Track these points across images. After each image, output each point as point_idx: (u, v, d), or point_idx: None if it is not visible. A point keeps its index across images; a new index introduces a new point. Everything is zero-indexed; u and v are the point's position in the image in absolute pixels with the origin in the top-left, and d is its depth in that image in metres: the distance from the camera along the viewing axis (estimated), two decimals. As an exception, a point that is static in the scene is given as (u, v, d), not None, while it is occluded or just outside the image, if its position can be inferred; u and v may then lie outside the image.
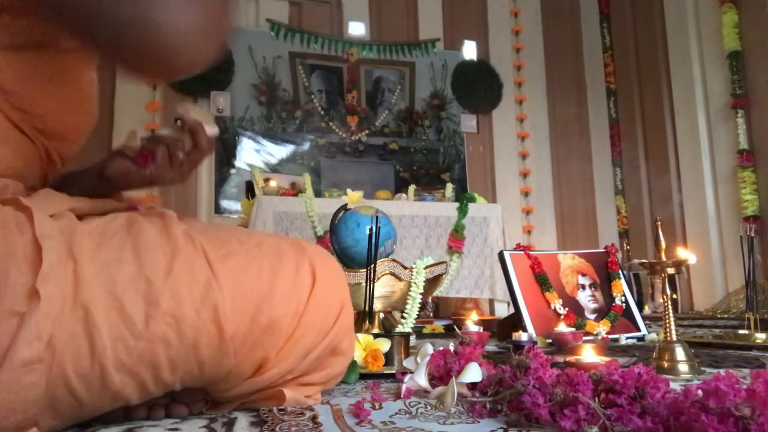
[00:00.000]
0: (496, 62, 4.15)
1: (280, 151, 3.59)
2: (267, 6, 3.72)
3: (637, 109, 4.12)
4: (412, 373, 0.81)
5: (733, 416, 0.48)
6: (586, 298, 1.85)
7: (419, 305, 1.21)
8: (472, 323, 1.58)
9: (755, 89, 3.26)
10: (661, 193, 3.85)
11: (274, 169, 3.50)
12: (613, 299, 1.85)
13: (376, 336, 1.03)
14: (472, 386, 0.73)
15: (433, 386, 0.77)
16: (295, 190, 2.60)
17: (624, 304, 1.84)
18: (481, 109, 4.07)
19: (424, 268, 1.20)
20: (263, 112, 3.59)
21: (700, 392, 0.52)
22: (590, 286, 1.88)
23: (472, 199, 2.70)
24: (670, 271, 1.07)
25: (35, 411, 0.53)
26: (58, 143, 0.71)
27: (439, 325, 2.40)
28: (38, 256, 0.53)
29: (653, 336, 1.76)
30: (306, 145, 3.66)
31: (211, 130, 0.78)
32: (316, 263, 0.70)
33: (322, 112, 3.72)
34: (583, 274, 1.90)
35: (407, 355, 1.06)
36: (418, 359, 0.85)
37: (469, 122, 4.04)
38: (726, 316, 2.88)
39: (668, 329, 1.05)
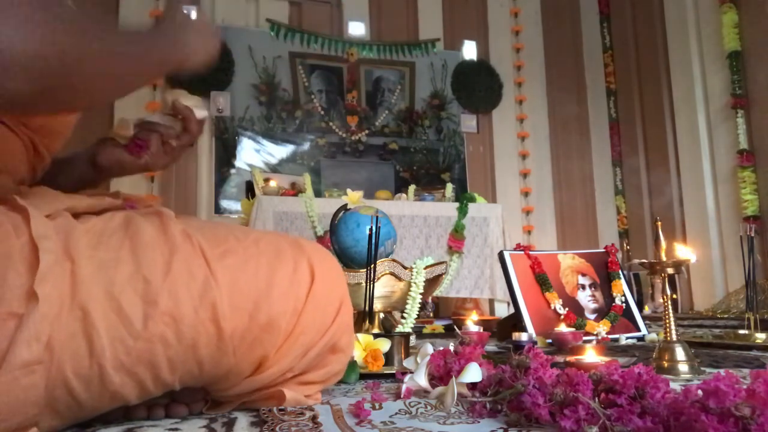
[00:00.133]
0: (496, 62, 4.15)
1: (280, 151, 3.59)
2: (267, 6, 3.72)
3: (637, 109, 4.12)
4: (412, 373, 0.81)
5: (733, 416, 0.48)
6: (586, 298, 1.85)
7: (419, 305, 1.21)
8: (472, 323, 1.58)
9: (755, 89, 3.26)
10: (661, 193, 3.85)
11: (274, 169, 3.49)
12: (613, 299, 1.85)
13: (376, 336, 1.03)
14: (472, 386, 0.73)
15: (433, 386, 0.77)
16: (295, 190, 2.60)
17: (624, 304, 1.84)
18: (481, 109, 4.07)
19: (424, 268, 1.20)
20: (263, 112, 3.59)
21: (700, 392, 0.52)
22: (590, 286, 1.88)
23: (472, 199, 2.70)
24: (670, 271, 1.07)
25: (35, 412, 0.52)
26: (44, 136, 0.71)
27: (439, 325, 2.40)
28: (35, 257, 0.53)
29: (653, 336, 1.76)
30: (306, 145, 3.66)
31: (201, 113, 0.78)
32: (315, 261, 0.70)
33: (322, 112, 3.72)
34: (583, 274, 1.90)
35: (407, 355, 1.06)
36: (418, 359, 0.85)
37: (469, 122, 4.04)
38: (726, 316, 2.87)
39: (668, 329, 1.05)
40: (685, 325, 2.47)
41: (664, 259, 1.07)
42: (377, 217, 1.14)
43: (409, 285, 1.18)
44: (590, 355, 0.98)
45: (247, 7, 3.71)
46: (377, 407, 0.73)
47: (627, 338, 1.75)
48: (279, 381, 0.68)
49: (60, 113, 0.65)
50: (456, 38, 4.11)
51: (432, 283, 1.23)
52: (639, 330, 1.81)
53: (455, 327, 1.64)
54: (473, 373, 0.72)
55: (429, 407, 0.72)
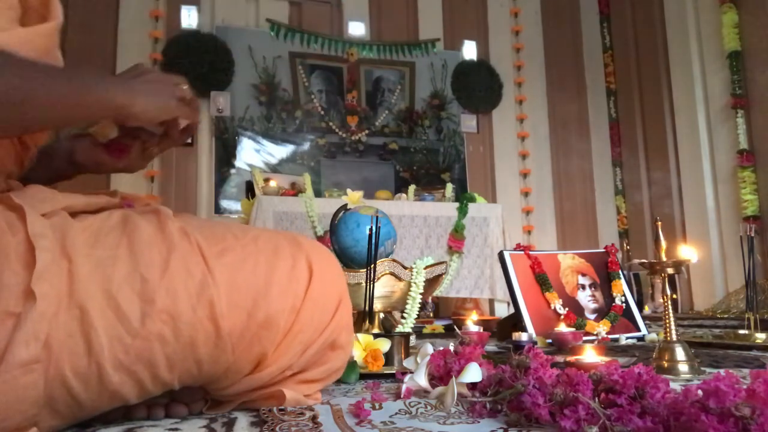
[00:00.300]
0: (496, 62, 4.15)
1: (280, 151, 3.59)
2: (267, 6, 3.72)
3: (637, 109, 4.12)
4: (412, 373, 0.81)
5: (733, 416, 0.48)
6: (586, 298, 1.85)
7: (419, 305, 1.21)
8: (472, 323, 1.58)
9: (755, 89, 3.26)
10: (661, 193, 3.85)
11: (274, 169, 3.49)
12: (613, 299, 1.85)
13: (376, 336, 1.03)
14: (472, 386, 0.73)
15: (433, 386, 0.77)
16: (295, 190, 2.60)
17: (624, 304, 1.84)
18: (481, 109, 4.07)
19: (424, 268, 1.19)
20: (263, 112, 3.59)
21: (700, 392, 0.52)
22: (590, 286, 1.88)
23: (472, 199, 2.70)
24: (670, 271, 1.07)
25: (34, 411, 0.52)
26: None
27: (439, 325, 2.40)
28: (31, 256, 0.53)
29: (653, 336, 1.76)
30: (306, 145, 3.66)
31: (184, 121, 0.77)
32: (313, 258, 0.70)
33: (322, 112, 3.72)
34: (583, 274, 1.90)
35: (407, 355, 1.06)
36: (418, 359, 0.85)
37: (469, 122, 4.04)
38: (726, 316, 2.88)
39: (668, 329, 1.05)
40: (685, 325, 2.47)
41: (664, 259, 1.07)
42: (377, 217, 1.14)
43: (409, 285, 1.18)
44: (590, 355, 0.98)
45: (247, 7, 3.71)
46: (377, 407, 0.73)
47: (627, 338, 1.75)
48: (278, 379, 0.68)
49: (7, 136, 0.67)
50: (456, 38, 4.11)
51: (432, 283, 1.23)
52: (639, 330, 1.81)
53: (455, 327, 1.64)
54: (473, 373, 0.72)
55: (429, 407, 0.72)
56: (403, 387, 0.79)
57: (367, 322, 1.12)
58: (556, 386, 0.61)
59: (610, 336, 1.71)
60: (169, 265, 0.59)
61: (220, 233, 0.66)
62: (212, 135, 3.48)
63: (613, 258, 1.94)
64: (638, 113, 4.11)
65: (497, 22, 4.23)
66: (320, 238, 2.37)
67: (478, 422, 0.65)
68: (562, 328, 1.53)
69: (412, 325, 1.22)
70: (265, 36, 3.65)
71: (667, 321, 1.06)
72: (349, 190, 1.40)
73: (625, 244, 4.13)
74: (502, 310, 2.69)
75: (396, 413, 0.69)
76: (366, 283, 1.09)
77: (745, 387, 0.50)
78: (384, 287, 1.15)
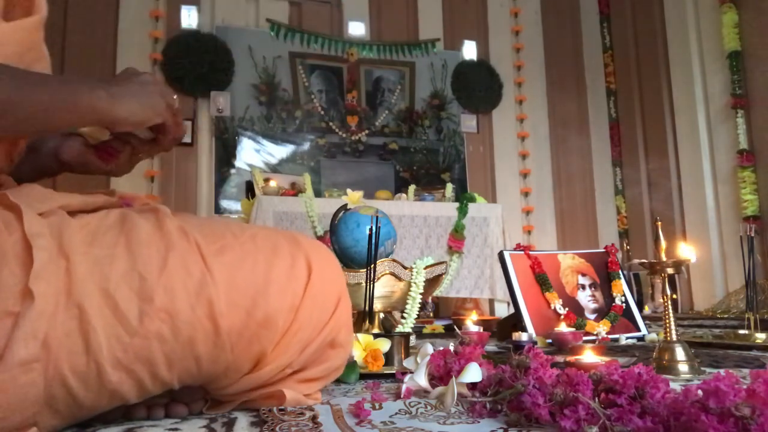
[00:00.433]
0: (496, 62, 4.15)
1: (280, 151, 3.59)
2: (267, 6, 3.72)
3: (637, 109, 4.12)
4: (412, 373, 0.81)
5: (733, 416, 0.48)
6: (586, 298, 1.85)
7: (419, 305, 1.21)
8: (472, 323, 1.58)
9: (755, 89, 3.26)
10: (661, 193, 3.85)
11: (274, 169, 3.49)
12: (613, 299, 1.85)
13: (376, 336, 1.03)
14: (472, 386, 0.73)
15: (433, 386, 0.77)
16: (295, 190, 2.60)
17: (624, 304, 1.84)
18: (481, 109, 4.07)
19: (424, 268, 1.20)
20: (263, 112, 3.59)
21: (700, 392, 0.52)
22: (590, 286, 1.88)
23: (472, 199, 2.70)
24: (670, 271, 1.07)
25: (34, 410, 0.52)
26: None
27: (439, 325, 2.40)
28: (29, 255, 0.53)
29: (653, 336, 1.76)
30: (306, 145, 3.66)
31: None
32: (312, 256, 0.70)
33: (322, 112, 3.72)
34: (583, 274, 1.90)
35: (407, 355, 1.06)
36: (418, 359, 0.85)
37: (469, 122, 4.04)
38: (726, 316, 2.88)
39: (668, 329, 1.05)
40: (685, 325, 2.47)
41: (664, 259, 1.07)
42: (377, 217, 1.14)
43: (409, 285, 1.18)
44: (590, 355, 0.98)
45: (247, 7, 3.71)
46: (377, 407, 0.73)
47: (627, 338, 1.75)
48: (278, 378, 0.68)
49: None
50: (456, 38, 4.11)
51: (432, 283, 1.23)
52: (639, 330, 1.81)
53: (455, 327, 1.64)
54: (473, 373, 0.72)
55: (429, 407, 0.72)
56: (403, 387, 0.79)
57: (367, 322, 1.12)
58: (556, 386, 0.61)
59: (610, 336, 1.71)
60: (168, 263, 0.59)
61: (218, 232, 0.66)
62: (212, 135, 3.48)
63: (613, 258, 1.94)
64: (638, 113, 4.11)
65: (497, 22, 4.23)
66: (320, 238, 2.37)
67: (478, 422, 0.65)
68: (562, 328, 1.53)
69: (412, 325, 1.22)
70: (265, 36, 3.65)
71: (667, 321, 1.06)
72: (349, 190, 1.40)
73: (625, 244, 4.13)
74: (502, 310, 2.69)
75: (396, 413, 0.69)
76: (366, 283, 1.09)
77: (745, 387, 0.50)
78: (384, 287, 1.15)
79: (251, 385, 0.67)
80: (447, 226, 2.63)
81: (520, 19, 4.26)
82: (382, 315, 1.20)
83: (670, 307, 1.06)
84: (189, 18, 3.54)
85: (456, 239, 2.59)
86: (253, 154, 3.52)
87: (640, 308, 2.11)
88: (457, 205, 2.68)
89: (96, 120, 0.66)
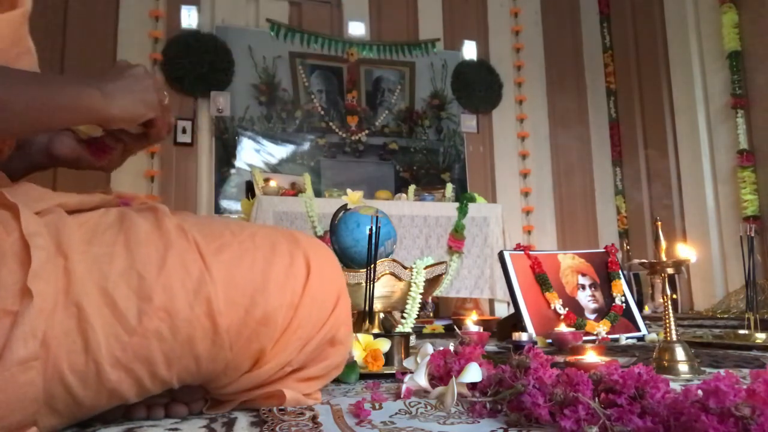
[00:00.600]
0: (496, 62, 4.15)
1: (280, 151, 3.59)
2: (267, 6, 3.72)
3: (637, 109, 4.12)
4: (412, 373, 0.81)
5: (733, 416, 0.48)
6: (586, 298, 1.85)
7: (419, 305, 1.21)
8: (472, 323, 1.58)
9: (755, 89, 3.26)
10: (661, 193, 3.85)
11: (274, 169, 3.49)
12: (613, 299, 1.85)
13: (376, 336, 1.03)
14: (472, 386, 0.73)
15: (433, 386, 0.77)
16: (295, 190, 2.60)
17: (624, 304, 1.84)
18: (481, 109, 4.07)
19: (424, 268, 1.20)
20: (263, 112, 3.59)
21: (700, 392, 0.52)
22: (590, 286, 1.88)
23: (472, 199, 2.70)
24: (670, 271, 1.07)
25: (33, 409, 0.52)
26: None
27: (439, 325, 2.40)
28: (27, 254, 0.53)
29: (653, 336, 1.76)
30: (306, 145, 3.66)
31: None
32: (311, 254, 0.70)
33: (322, 112, 3.72)
34: (583, 274, 1.90)
35: (407, 355, 1.06)
36: (418, 359, 0.85)
37: (469, 122, 4.04)
38: (726, 316, 2.87)
39: (668, 329, 1.05)
40: (685, 325, 2.47)
41: (664, 259, 1.07)
42: (377, 217, 1.14)
43: (409, 285, 1.18)
44: (590, 355, 0.98)
45: (247, 7, 3.71)
46: (377, 407, 0.73)
47: (627, 338, 1.75)
48: (278, 376, 0.68)
49: None
50: (456, 38, 4.11)
51: (432, 283, 1.23)
52: (639, 330, 1.81)
53: (455, 327, 1.64)
54: (473, 373, 0.72)
55: (429, 407, 0.72)
56: (403, 387, 0.79)
57: (367, 322, 1.12)
58: (556, 386, 0.61)
59: (610, 336, 1.71)
60: (166, 262, 0.59)
61: (217, 230, 0.66)
62: (212, 135, 3.48)
63: (613, 258, 1.94)
64: (638, 113, 4.11)
65: (497, 22, 4.23)
66: (320, 238, 2.37)
67: (478, 422, 0.65)
68: (562, 328, 1.53)
69: (412, 325, 1.22)
70: (265, 36, 3.65)
71: (667, 321, 1.06)
72: (349, 190, 1.40)
73: (625, 244, 4.13)
74: (502, 310, 2.69)
75: (396, 413, 0.69)
76: (366, 283, 1.09)
77: (745, 387, 0.50)
78: (384, 287, 1.15)
79: (251, 383, 0.67)
80: (447, 226, 2.63)
81: (520, 19, 4.26)
82: (382, 315, 1.20)
83: (670, 307, 1.06)
84: (189, 18, 3.54)
85: (456, 239, 2.59)
86: (253, 154, 3.52)
87: (640, 308, 2.11)
88: (457, 205, 2.68)
89: (89, 119, 0.66)
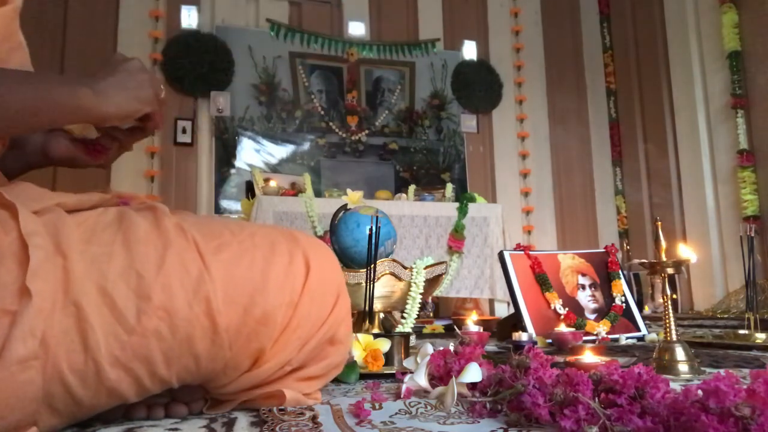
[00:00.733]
0: (496, 62, 4.15)
1: (280, 151, 3.59)
2: (267, 6, 3.72)
3: (637, 109, 4.12)
4: (412, 373, 0.81)
5: (733, 416, 0.48)
6: (586, 298, 1.85)
7: (419, 305, 1.21)
8: (472, 323, 1.58)
9: (755, 89, 3.26)
10: (661, 193, 3.85)
11: (274, 169, 3.49)
12: (613, 299, 1.85)
13: (376, 336, 1.03)
14: (472, 386, 0.73)
15: (433, 386, 0.77)
16: (295, 190, 2.60)
17: (624, 304, 1.84)
18: (481, 109, 4.07)
19: (424, 268, 1.20)
20: (263, 112, 3.59)
21: (700, 392, 0.52)
22: (590, 286, 1.88)
23: (472, 199, 2.70)
24: (670, 271, 1.07)
25: (33, 409, 0.52)
26: None
27: (439, 325, 2.40)
28: (25, 254, 0.53)
29: (653, 336, 1.76)
30: (306, 145, 3.66)
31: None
32: (310, 253, 0.70)
33: (322, 112, 3.72)
34: (583, 274, 1.90)
35: (407, 355, 1.06)
36: (418, 359, 0.85)
37: (469, 122, 4.04)
38: (726, 316, 2.87)
39: (668, 329, 1.05)
40: (685, 325, 2.47)
41: (664, 259, 1.07)
42: (377, 217, 1.14)
43: (409, 285, 1.18)
44: (590, 355, 0.98)
45: (247, 7, 3.71)
46: (377, 407, 0.73)
47: (627, 338, 1.75)
48: (278, 375, 0.68)
49: None
50: (456, 38, 4.11)
51: (432, 283, 1.23)
52: (639, 330, 1.81)
53: (455, 327, 1.64)
54: (473, 373, 0.72)
55: (429, 407, 0.72)
56: (403, 387, 0.79)
57: (367, 322, 1.12)
58: (556, 386, 0.61)
59: (610, 336, 1.71)
60: (165, 261, 0.59)
61: (216, 229, 0.66)
62: (212, 135, 3.48)
63: (613, 258, 1.94)
64: (638, 113, 4.11)
65: (497, 22, 4.23)
66: (320, 238, 2.37)
67: (478, 422, 0.65)
68: (562, 328, 1.53)
69: (412, 325, 1.22)
70: (265, 36, 3.65)
71: (667, 321, 1.06)
72: (349, 190, 1.40)
73: (625, 244, 4.13)
74: (502, 310, 2.69)
75: (396, 413, 0.69)
76: (366, 283, 1.09)
77: (745, 387, 0.50)
78: (384, 287, 1.15)
79: (251, 383, 0.67)
80: (447, 226, 2.63)
81: (520, 19, 4.26)
82: (382, 315, 1.20)
83: (670, 307, 1.06)
84: (189, 18, 3.54)
85: (456, 239, 2.59)
86: (253, 154, 3.52)
87: (640, 308, 2.11)
88: (457, 205, 2.68)
89: (83, 118, 0.65)
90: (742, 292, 2.91)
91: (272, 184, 2.65)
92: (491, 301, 2.76)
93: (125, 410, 0.64)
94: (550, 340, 1.53)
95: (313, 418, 0.65)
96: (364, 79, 3.85)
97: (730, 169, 3.34)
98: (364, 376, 0.99)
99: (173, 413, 0.67)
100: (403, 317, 1.22)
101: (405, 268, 1.18)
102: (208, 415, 0.69)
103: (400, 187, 3.48)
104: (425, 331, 2.31)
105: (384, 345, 1.02)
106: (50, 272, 0.54)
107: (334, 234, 1.26)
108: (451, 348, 0.84)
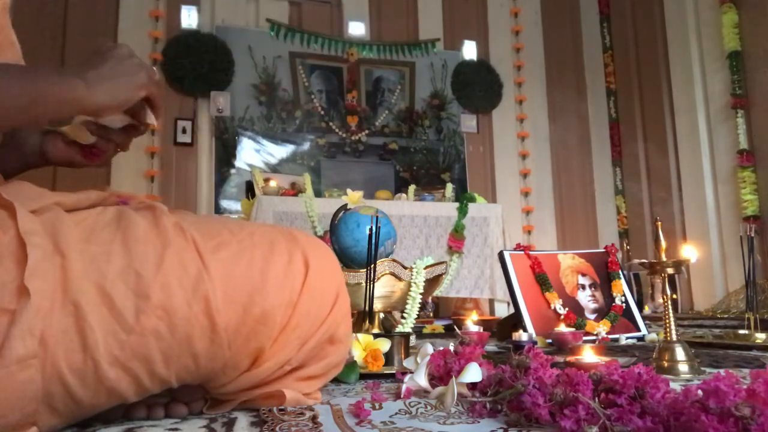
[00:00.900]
0: (496, 62, 4.15)
1: (280, 151, 3.59)
2: (267, 6, 3.72)
3: (637, 109, 4.12)
4: (412, 373, 0.81)
5: (733, 416, 0.48)
6: (586, 298, 1.85)
7: (419, 305, 1.21)
8: (472, 323, 1.58)
9: (755, 89, 3.26)
10: (661, 193, 3.85)
11: (274, 169, 3.49)
12: (613, 299, 1.85)
13: (376, 336, 1.03)
14: (472, 386, 0.73)
15: (433, 386, 0.77)
16: (295, 190, 2.60)
17: (624, 304, 1.84)
18: (481, 109, 4.07)
19: (424, 268, 1.19)
20: (263, 112, 3.59)
21: (700, 392, 0.52)
22: (590, 286, 1.88)
23: (472, 199, 2.70)
24: (670, 271, 1.07)
25: (33, 408, 0.52)
26: None
27: (439, 325, 2.40)
28: (23, 253, 0.53)
29: (653, 336, 1.76)
30: (306, 145, 3.66)
31: (151, 118, 0.75)
32: (309, 253, 0.70)
33: (322, 112, 3.72)
34: (583, 274, 1.90)
35: (407, 355, 1.06)
36: (418, 359, 0.85)
37: (469, 122, 4.04)
38: (726, 316, 2.87)
39: (668, 329, 1.05)
40: (685, 325, 2.47)
41: (664, 259, 1.07)
42: (377, 217, 1.14)
43: (409, 285, 1.18)
44: (590, 355, 0.98)
45: (247, 7, 3.71)
46: (377, 407, 0.73)
47: (627, 338, 1.75)
48: (278, 375, 0.68)
49: None
50: (456, 38, 4.11)
51: (432, 283, 1.23)
52: (639, 330, 1.81)
53: (455, 327, 1.64)
54: (473, 373, 0.72)
55: (429, 407, 0.72)
56: (403, 387, 0.79)
57: (367, 322, 1.12)
58: (556, 386, 0.61)
59: (610, 336, 1.71)
60: (164, 260, 0.59)
61: (215, 229, 0.66)
62: (212, 135, 3.48)
63: (613, 258, 1.94)
64: (638, 113, 4.11)
65: (497, 22, 4.23)
66: (320, 238, 2.37)
67: (478, 422, 0.65)
68: (562, 328, 1.53)
69: (412, 325, 1.22)
70: (265, 36, 3.65)
71: (667, 321, 1.06)
72: (349, 190, 1.40)
73: (625, 244, 4.13)
74: (502, 310, 2.69)
75: (396, 413, 0.69)
76: (366, 283, 1.09)
77: (745, 387, 0.50)
78: (384, 287, 1.15)
79: (250, 382, 0.67)
80: (447, 226, 2.63)
81: (520, 19, 4.26)
82: (382, 315, 1.20)
83: (670, 307, 1.06)
84: (189, 18, 3.54)
85: (456, 239, 2.59)
86: (253, 154, 3.52)
87: (640, 308, 2.11)
88: (457, 205, 2.68)
89: (77, 110, 0.64)
90: (742, 292, 2.91)
91: (272, 184, 2.65)
92: (491, 301, 2.76)
93: (125, 410, 0.64)
94: (550, 340, 1.53)
95: (313, 418, 0.65)
96: (364, 79, 3.85)
97: (730, 169, 3.34)
98: (364, 376, 0.99)
99: (173, 413, 0.67)
100: (403, 317, 1.22)
101: (405, 268, 1.18)
102: (208, 415, 0.69)
103: (400, 187, 3.48)
104: (425, 331, 2.31)
105: (384, 345, 1.02)
106: (49, 271, 0.53)
107: (334, 234, 1.26)
108: (451, 348, 0.84)
